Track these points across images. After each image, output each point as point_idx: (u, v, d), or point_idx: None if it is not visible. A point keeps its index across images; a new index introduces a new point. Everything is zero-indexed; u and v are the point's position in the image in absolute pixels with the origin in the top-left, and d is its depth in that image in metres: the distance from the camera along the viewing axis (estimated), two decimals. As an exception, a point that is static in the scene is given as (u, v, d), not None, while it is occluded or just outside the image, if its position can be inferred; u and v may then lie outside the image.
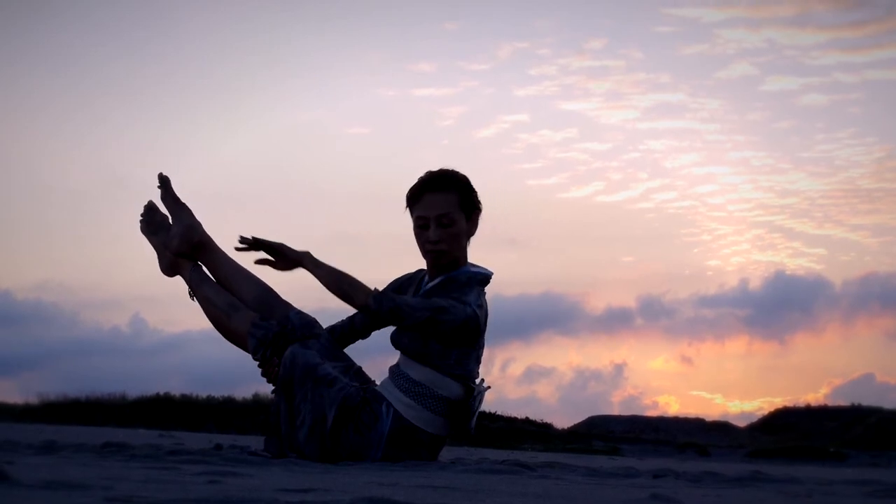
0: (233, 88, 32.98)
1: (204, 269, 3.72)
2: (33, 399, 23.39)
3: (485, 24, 33.32)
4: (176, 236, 3.73)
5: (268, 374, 3.47)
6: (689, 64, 33.80)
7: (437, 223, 3.37)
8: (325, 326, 3.63)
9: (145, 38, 31.62)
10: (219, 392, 24.12)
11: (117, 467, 2.54)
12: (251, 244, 3.50)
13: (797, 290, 34.50)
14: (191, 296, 3.68)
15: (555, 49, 32.90)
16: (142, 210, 3.86)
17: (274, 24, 32.12)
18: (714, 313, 36.61)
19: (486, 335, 3.44)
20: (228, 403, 23.56)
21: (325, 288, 3.36)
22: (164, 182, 3.82)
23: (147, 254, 3.85)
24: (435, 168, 3.48)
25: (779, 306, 35.33)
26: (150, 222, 3.83)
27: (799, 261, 35.45)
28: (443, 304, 3.26)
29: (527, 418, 25.95)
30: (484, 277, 3.45)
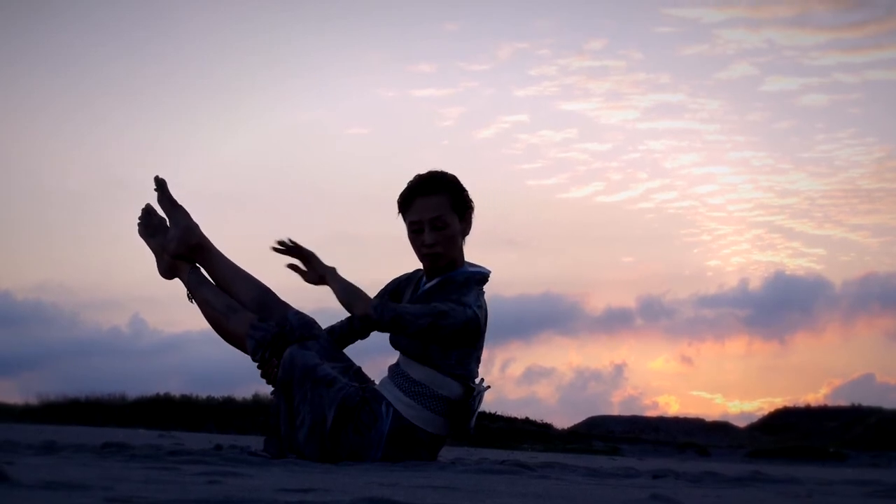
0: (233, 88, 33.00)
1: (202, 270, 3.73)
2: (33, 399, 23.41)
3: (485, 25, 33.34)
4: (174, 239, 3.74)
5: (267, 375, 3.47)
6: (688, 64, 33.82)
7: (430, 226, 3.37)
8: (324, 327, 3.63)
9: (145, 38, 31.64)
10: (219, 392, 24.14)
11: (117, 468, 2.54)
12: (288, 248, 3.48)
13: (797, 291, 34.52)
14: (189, 298, 3.68)
15: (555, 49, 32.92)
16: (139, 213, 3.87)
17: (274, 24, 32.14)
18: (714, 313, 36.63)
19: (486, 335, 3.44)
20: (228, 404, 23.56)
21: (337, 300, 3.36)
22: (161, 185, 3.82)
23: (147, 255, 3.86)
24: (434, 168, 3.48)
25: (779, 306, 35.34)
26: (148, 225, 3.84)
27: (799, 261, 35.47)
28: (443, 309, 3.26)
29: (527, 418, 25.96)
30: (482, 276, 3.45)
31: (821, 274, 35.54)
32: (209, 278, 3.71)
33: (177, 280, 3.77)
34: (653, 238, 35.50)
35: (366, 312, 3.26)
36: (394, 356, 3.47)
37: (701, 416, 30.17)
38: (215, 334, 3.66)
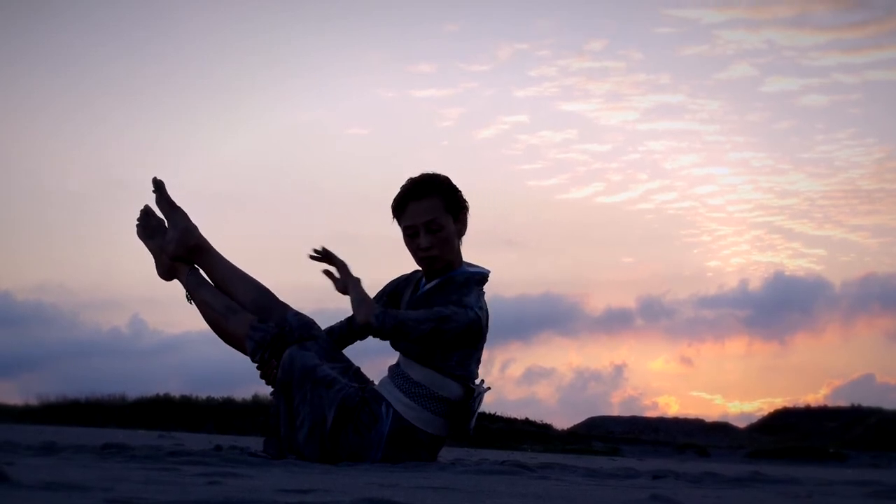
0: (233, 88, 32.97)
1: (201, 272, 3.73)
2: (33, 400, 23.39)
3: (485, 25, 33.28)
4: (172, 240, 3.74)
5: (266, 376, 3.47)
6: (688, 65, 33.78)
7: (425, 230, 3.37)
8: (323, 327, 3.63)
9: (145, 38, 31.60)
10: (218, 393, 24.11)
11: (117, 468, 2.54)
12: (322, 255, 3.47)
13: (797, 291, 34.48)
14: (188, 299, 3.69)
15: (555, 50, 32.87)
16: (138, 215, 3.88)
17: (274, 24, 32.11)
18: (714, 314, 36.59)
19: (487, 336, 3.44)
20: (228, 404, 23.54)
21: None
22: (159, 186, 3.83)
23: (146, 255, 3.86)
24: (433, 169, 3.48)
25: (779, 307, 35.30)
26: (147, 226, 3.84)
27: (799, 261, 35.42)
28: (445, 313, 3.26)
29: (526, 419, 25.94)
30: (481, 277, 3.45)
31: (821, 274, 35.52)
32: (208, 279, 3.71)
33: (176, 281, 3.77)
34: (653, 239, 35.50)
35: (367, 320, 3.27)
36: (393, 356, 3.47)
37: (701, 417, 30.18)
38: (215, 335, 3.66)
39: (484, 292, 3.45)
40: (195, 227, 3.76)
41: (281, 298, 3.64)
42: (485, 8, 33.83)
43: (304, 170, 32.87)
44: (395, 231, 3.47)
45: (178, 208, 3.80)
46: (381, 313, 3.26)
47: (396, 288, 3.60)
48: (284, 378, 3.39)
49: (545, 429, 25.47)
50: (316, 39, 32.09)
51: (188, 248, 3.73)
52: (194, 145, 33.21)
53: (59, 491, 1.81)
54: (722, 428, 29.39)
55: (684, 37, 32.60)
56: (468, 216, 3.48)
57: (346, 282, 3.36)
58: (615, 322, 35.63)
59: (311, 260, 3.42)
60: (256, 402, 21.99)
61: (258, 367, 3.49)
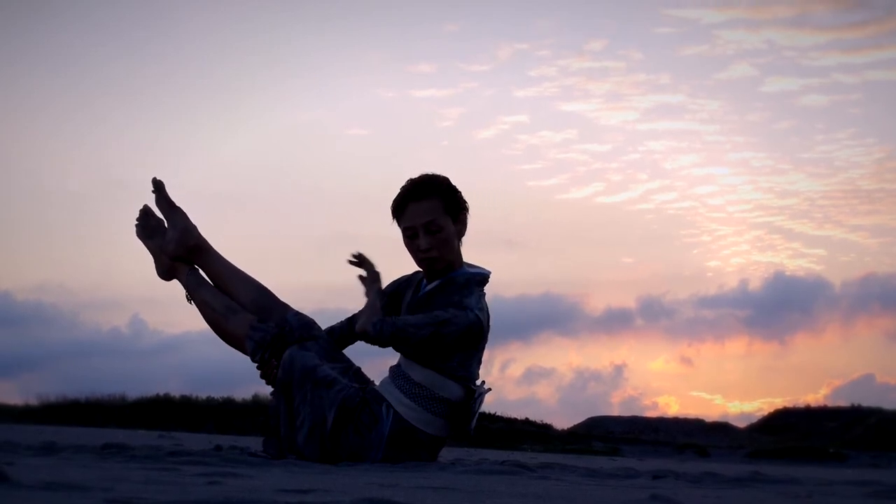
0: (233, 88, 32.96)
1: (201, 272, 3.73)
2: (33, 400, 23.38)
3: (485, 25, 33.27)
4: (172, 241, 3.74)
5: (266, 376, 3.47)
6: (688, 65, 33.77)
7: (425, 231, 3.38)
8: (324, 327, 3.63)
9: (145, 38, 31.60)
10: (218, 393, 24.11)
11: (117, 468, 2.54)
12: (357, 260, 3.50)
13: (797, 291, 34.47)
14: (188, 299, 3.69)
15: (555, 50, 32.87)
16: (137, 215, 3.88)
17: (274, 24, 32.11)
18: (714, 314, 36.56)
19: (488, 337, 3.44)
20: (228, 404, 23.54)
21: None
22: (159, 186, 3.83)
23: (146, 255, 3.85)
24: (433, 170, 3.48)
25: (779, 307, 35.29)
26: (146, 227, 3.84)
27: (799, 261, 35.41)
28: (445, 317, 3.26)
29: (526, 419, 25.93)
30: (482, 277, 3.45)
31: (821, 274, 35.50)
32: (208, 280, 3.71)
33: (176, 281, 3.77)
34: (653, 239, 35.48)
35: (363, 329, 3.28)
36: (394, 357, 3.47)
37: (701, 417, 30.17)
38: (215, 335, 3.66)
39: (485, 293, 3.45)
40: (194, 227, 3.76)
41: (281, 298, 3.64)
42: (485, 8, 33.83)
43: (304, 170, 32.89)
44: (396, 231, 3.47)
45: (178, 208, 3.80)
46: (378, 321, 3.26)
47: (397, 289, 3.60)
48: (285, 378, 3.39)
49: (545, 429, 25.47)
50: (316, 39, 32.10)
51: (188, 248, 3.73)
52: (194, 145, 33.23)
53: (59, 491, 1.81)
54: (722, 428, 29.38)
55: (684, 37, 32.61)
56: (468, 217, 3.48)
57: (368, 288, 3.40)
58: (615, 322, 35.63)
59: (349, 264, 3.49)
60: (256, 402, 21.98)
61: (258, 368, 3.49)
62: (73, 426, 16.65)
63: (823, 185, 34.20)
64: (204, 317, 3.64)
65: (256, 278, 3.69)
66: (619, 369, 33.02)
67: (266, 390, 3.55)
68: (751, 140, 34.10)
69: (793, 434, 26.96)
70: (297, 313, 3.55)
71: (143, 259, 3.86)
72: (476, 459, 4.24)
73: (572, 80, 33.32)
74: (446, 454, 3.98)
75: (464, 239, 3.49)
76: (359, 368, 3.53)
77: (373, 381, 3.49)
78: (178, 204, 3.81)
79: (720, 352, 35.57)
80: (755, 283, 36.43)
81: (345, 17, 32.56)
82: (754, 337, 36.01)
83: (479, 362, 3.44)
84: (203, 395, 24.25)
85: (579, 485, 2.76)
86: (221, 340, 3.63)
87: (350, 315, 3.66)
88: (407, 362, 3.38)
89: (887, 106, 33.26)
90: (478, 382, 3.43)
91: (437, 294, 3.39)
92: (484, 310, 3.38)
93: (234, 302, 3.60)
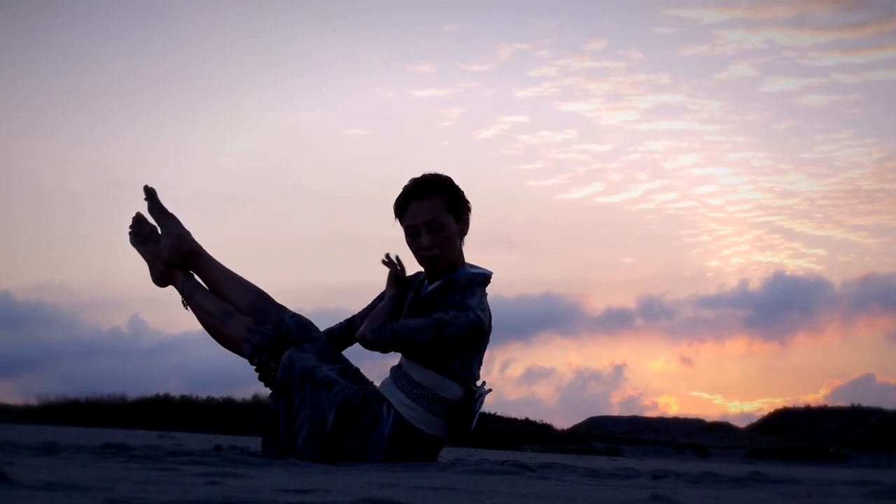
0: (233, 88, 32.94)
1: (196, 277, 3.73)
2: (33, 400, 23.37)
3: (485, 25, 33.25)
4: (166, 248, 3.74)
5: (265, 378, 3.47)
6: (688, 65, 33.74)
7: (427, 229, 3.38)
8: (323, 328, 3.63)
9: (145, 38, 31.58)
10: (218, 393, 24.10)
11: (117, 468, 2.54)
12: (388, 263, 3.53)
13: (797, 291, 34.46)
14: (184, 305, 3.68)
15: (555, 50, 32.84)
16: (129, 222, 3.87)
17: (274, 24, 32.09)
18: (714, 314, 36.55)
19: (489, 337, 3.44)
20: (228, 404, 23.53)
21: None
22: (151, 194, 3.83)
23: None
24: (433, 170, 3.48)
25: (779, 307, 35.28)
26: (139, 234, 3.84)
27: (799, 261, 35.40)
28: (445, 319, 3.26)
29: (526, 419, 25.93)
30: (484, 278, 3.45)
31: (821, 274, 35.49)
32: (203, 284, 3.71)
33: (170, 288, 3.77)
34: (653, 239, 35.47)
35: (363, 335, 3.29)
36: (395, 357, 3.47)
37: (701, 417, 30.17)
38: (214, 337, 3.65)
39: (486, 294, 3.45)
40: (188, 233, 3.76)
41: (282, 298, 3.64)
42: (485, 8, 33.81)
43: (304, 170, 32.88)
44: (396, 231, 3.47)
45: (171, 215, 3.80)
46: (378, 328, 3.27)
47: (397, 289, 3.60)
48: (283, 380, 3.39)
49: (545, 429, 25.46)
50: (316, 39, 32.08)
51: (182, 254, 3.73)
52: (194, 145, 33.21)
53: (59, 491, 1.81)
54: (722, 428, 29.38)
55: (684, 37, 32.59)
56: (470, 216, 3.48)
57: (385, 291, 3.47)
58: (615, 322, 35.62)
59: (382, 265, 3.52)
60: (256, 402, 21.98)
61: (257, 370, 3.48)
62: (73, 426, 16.66)
63: (823, 185, 34.21)
64: (201, 322, 3.64)
65: (257, 279, 3.69)
66: (619, 369, 33.02)
67: (266, 390, 3.54)
68: (751, 140, 34.09)
69: (793, 434, 26.96)
70: (294, 315, 3.55)
71: (142, 260, 3.86)
72: (476, 459, 4.24)
73: (572, 80, 33.31)
74: (446, 454, 3.98)
75: (464, 239, 3.49)
76: (357, 369, 3.53)
77: (372, 382, 3.49)
78: (174, 207, 3.83)
79: (720, 352, 35.58)
80: (755, 283, 36.43)
81: (345, 17, 32.55)
82: (754, 337, 36.01)
83: (480, 363, 3.44)
84: (203, 395, 24.25)
85: (579, 485, 2.76)
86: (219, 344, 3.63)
87: (349, 316, 3.66)
88: (408, 363, 3.38)
89: (887, 106, 33.25)
90: (478, 383, 3.43)
91: (439, 294, 3.39)
92: (486, 310, 3.38)
93: (230, 306, 3.60)
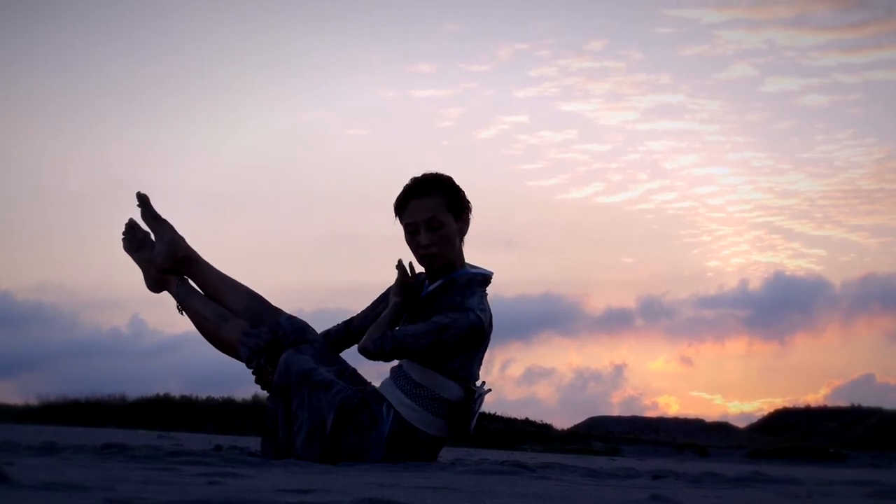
0: (233, 88, 32.95)
1: (190, 282, 3.72)
2: (33, 400, 23.37)
3: (485, 25, 33.27)
4: (160, 253, 3.73)
5: (262, 381, 3.46)
6: (688, 65, 33.77)
7: (426, 227, 3.38)
8: (321, 329, 3.63)
9: (145, 38, 31.59)
10: (218, 393, 24.10)
11: (117, 468, 2.54)
12: (403, 268, 3.51)
13: (797, 291, 34.47)
14: (179, 310, 3.68)
15: (555, 50, 32.88)
16: (123, 228, 3.87)
17: (274, 24, 32.10)
18: (714, 314, 36.57)
19: (490, 337, 3.44)
20: (228, 404, 23.53)
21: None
22: (144, 200, 3.83)
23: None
24: (433, 169, 3.49)
25: (779, 307, 35.29)
26: (132, 240, 3.84)
27: (799, 261, 35.41)
28: (445, 322, 3.26)
29: (526, 419, 25.93)
30: (484, 278, 3.45)
31: (821, 274, 35.51)
32: (198, 289, 3.70)
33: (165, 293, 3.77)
34: (653, 239, 35.49)
35: (364, 347, 3.29)
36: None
37: (701, 417, 30.17)
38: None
39: (486, 294, 3.45)
40: (182, 239, 3.76)
41: (281, 298, 3.64)
42: (485, 8, 33.83)
43: (304, 170, 32.89)
44: (396, 231, 3.47)
45: (164, 221, 3.79)
46: (378, 338, 3.28)
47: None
48: (281, 382, 3.38)
49: (545, 429, 25.46)
50: (316, 39, 32.10)
51: (177, 259, 3.72)
52: (194, 145, 33.23)
53: (59, 491, 1.81)
54: (722, 428, 29.39)
55: (684, 37, 32.61)
56: (470, 216, 3.48)
57: (391, 297, 3.46)
58: (615, 322, 35.64)
59: (395, 268, 3.50)
60: (256, 403, 21.99)
61: (254, 373, 3.48)
62: (73, 426, 16.65)
63: (823, 185, 34.23)
64: (196, 326, 3.63)
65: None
66: (619, 369, 33.03)
67: (265, 392, 3.54)
68: (751, 140, 34.12)
69: (793, 434, 26.96)
70: (290, 317, 3.55)
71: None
72: (476, 459, 4.24)
73: (572, 80, 33.33)
74: (446, 454, 3.98)
75: (464, 239, 3.49)
76: (355, 370, 3.54)
77: (370, 383, 3.49)
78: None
79: (720, 352, 35.59)
80: (755, 283, 36.45)
81: (345, 17, 32.58)
82: (754, 337, 36.02)
83: (480, 363, 3.44)
84: (203, 395, 24.26)
85: (579, 485, 2.76)
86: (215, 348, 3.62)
87: (347, 318, 3.66)
88: (409, 363, 3.38)
89: (887, 106, 33.28)
90: (478, 383, 3.43)
91: (439, 295, 3.39)
92: (486, 310, 3.38)
93: (225, 310, 3.60)
